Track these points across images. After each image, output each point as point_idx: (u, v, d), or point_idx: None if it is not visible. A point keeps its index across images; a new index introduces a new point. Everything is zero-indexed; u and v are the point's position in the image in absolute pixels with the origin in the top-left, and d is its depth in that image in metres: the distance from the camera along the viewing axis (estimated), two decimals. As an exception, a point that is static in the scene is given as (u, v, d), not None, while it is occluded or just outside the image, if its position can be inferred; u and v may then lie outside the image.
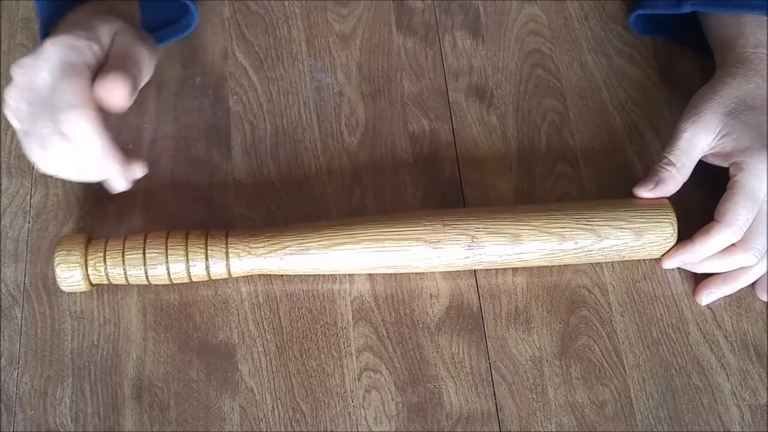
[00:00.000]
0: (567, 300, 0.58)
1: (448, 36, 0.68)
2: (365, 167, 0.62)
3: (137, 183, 0.60)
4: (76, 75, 0.49)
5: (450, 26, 0.68)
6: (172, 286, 0.57)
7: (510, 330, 0.57)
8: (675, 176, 0.57)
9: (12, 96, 0.51)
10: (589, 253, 0.57)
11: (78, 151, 0.51)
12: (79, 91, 0.49)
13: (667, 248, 0.57)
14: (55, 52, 0.50)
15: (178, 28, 0.64)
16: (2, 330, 0.56)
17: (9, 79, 0.63)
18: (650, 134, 0.64)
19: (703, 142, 0.58)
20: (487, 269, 0.58)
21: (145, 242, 0.55)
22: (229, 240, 0.55)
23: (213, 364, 0.56)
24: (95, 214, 0.59)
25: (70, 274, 0.54)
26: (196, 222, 0.58)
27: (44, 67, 0.50)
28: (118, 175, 0.53)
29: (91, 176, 0.53)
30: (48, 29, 0.57)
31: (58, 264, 0.54)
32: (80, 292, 0.57)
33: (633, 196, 0.59)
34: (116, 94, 0.50)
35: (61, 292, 0.56)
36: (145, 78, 0.55)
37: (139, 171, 0.55)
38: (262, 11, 0.68)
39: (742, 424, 0.55)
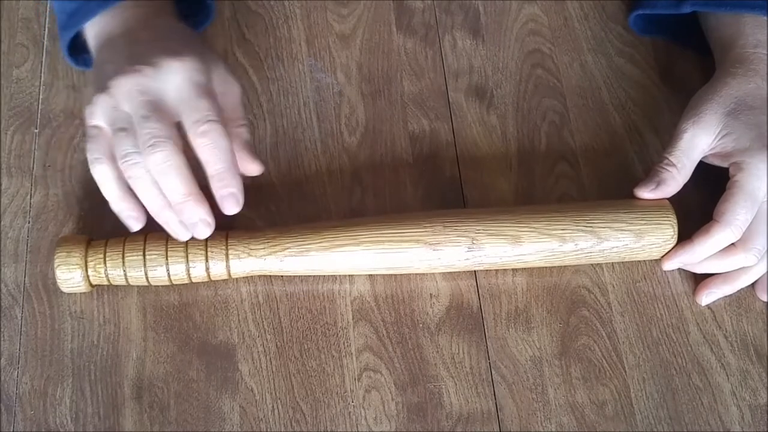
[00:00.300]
0: (567, 300, 0.58)
1: (448, 36, 0.68)
2: (365, 167, 0.62)
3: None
4: (211, 96, 0.51)
5: (450, 26, 0.68)
6: (172, 287, 0.57)
7: (510, 330, 0.57)
8: (676, 177, 0.57)
9: (113, 95, 0.51)
10: (590, 254, 0.57)
11: (182, 162, 0.50)
12: (217, 111, 0.51)
13: (668, 250, 0.57)
14: (183, 70, 0.51)
15: (192, 24, 0.64)
16: (2, 330, 0.56)
17: (9, 80, 0.64)
18: (650, 134, 0.64)
19: (703, 142, 0.58)
20: (487, 270, 0.58)
21: (145, 243, 0.55)
22: (228, 241, 0.55)
23: (213, 364, 0.56)
24: (95, 215, 0.59)
25: (70, 276, 0.54)
26: (196, 222, 0.58)
27: (170, 80, 0.51)
28: (202, 211, 0.52)
29: (159, 205, 0.52)
30: (76, 25, 0.57)
31: (58, 265, 0.54)
32: (80, 293, 0.57)
33: (633, 197, 0.59)
34: (251, 169, 0.56)
35: (61, 292, 0.56)
36: None
37: (255, 169, 0.57)
38: (262, 11, 0.68)
39: (742, 424, 0.55)
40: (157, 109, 0.50)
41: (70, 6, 0.57)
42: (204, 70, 0.52)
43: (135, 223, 0.53)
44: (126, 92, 0.51)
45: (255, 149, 0.56)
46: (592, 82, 0.66)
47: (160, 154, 0.50)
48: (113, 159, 0.52)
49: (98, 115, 0.52)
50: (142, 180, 0.51)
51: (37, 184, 0.61)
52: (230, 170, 0.52)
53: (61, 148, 0.62)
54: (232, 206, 0.52)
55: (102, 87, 0.51)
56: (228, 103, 0.55)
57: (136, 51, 0.52)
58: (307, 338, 0.56)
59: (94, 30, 0.57)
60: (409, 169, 0.62)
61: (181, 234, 0.53)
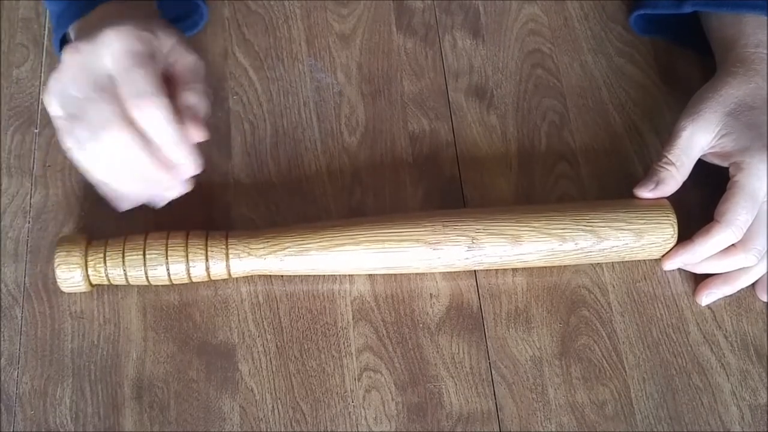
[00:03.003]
0: (567, 300, 0.58)
1: (448, 36, 0.68)
2: (365, 167, 0.62)
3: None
4: (147, 65, 0.49)
5: (450, 26, 0.68)
6: (172, 287, 0.57)
7: (510, 330, 0.57)
8: (675, 175, 0.57)
9: (60, 79, 0.49)
10: (589, 254, 0.57)
11: (137, 141, 0.48)
12: (153, 81, 0.48)
13: (668, 249, 0.57)
14: (118, 39, 0.48)
15: (186, 26, 0.64)
16: (2, 330, 0.56)
17: (9, 80, 0.64)
18: (650, 134, 0.64)
19: (702, 140, 0.58)
20: (487, 269, 0.58)
21: (145, 243, 0.55)
22: (229, 241, 0.55)
23: (213, 364, 0.56)
24: (95, 214, 0.59)
25: (71, 275, 0.54)
26: (196, 222, 0.58)
27: (106, 53, 0.48)
28: (179, 172, 0.51)
29: (140, 175, 0.51)
30: (64, 27, 0.57)
31: (59, 265, 0.54)
32: (80, 293, 0.57)
33: (633, 197, 0.59)
34: (196, 135, 0.52)
35: (61, 292, 0.56)
36: None
37: (198, 135, 0.52)
38: (262, 11, 0.68)
39: (742, 424, 0.55)
40: (100, 87, 0.48)
41: (58, 7, 0.57)
42: (143, 37, 0.50)
43: (123, 203, 0.53)
44: (70, 75, 0.49)
45: (202, 116, 0.53)
46: (592, 82, 0.66)
47: (109, 137, 0.48)
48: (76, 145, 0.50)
49: (53, 103, 0.50)
50: (105, 165, 0.50)
51: (37, 184, 0.61)
52: (165, 147, 0.49)
53: (61, 148, 0.61)
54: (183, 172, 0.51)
55: (53, 71, 0.50)
56: (178, 71, 0.52)
57: (89, 34, 0.50)
58: (307, 338, 0.56)
59: (74, 28, 0.56)
60: (409, 169, 0.62)
61: (154, 204, 0.53)
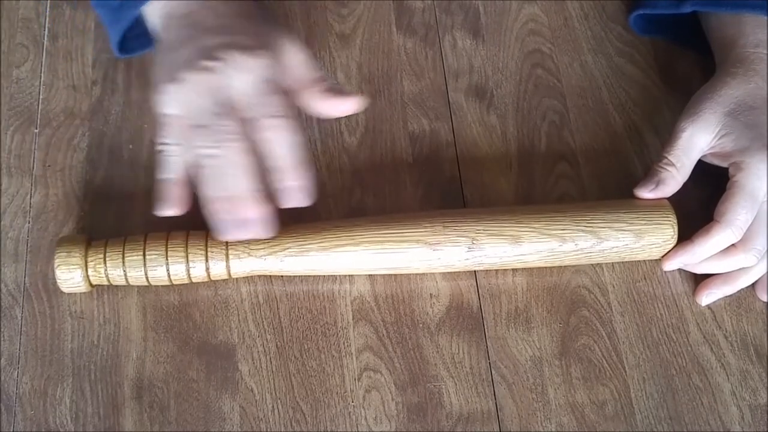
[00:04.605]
0: (567, 300, 0.58)
1: (448, 36, 0.68)
2: (365, 167, 0.62)
3: (136, 183, 0.61)
4: (278, 91, 0.53)
5: (450, 26, 0.68)
6: (172, 287, 0.57)
7: (510, 330, 0.57)
8: (675, 176, 0.57)
9: (184, 90, 0.52)
10: (590, 254, 0.57)
11: (252, 159, 0.52)
12: (284, 104, 0.53)
13: (668, 250, 0.57)
14: (254, 67, 0.52)
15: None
16: (2, 330, 0.56)
17: (9, 80, 0.64)
18: (650, 134, 0.64)
19: (702, 141, 0.58)
20: (487, 270, 0.58)
21: (145, 243, 0.55)
22: (229, 241, 0.55)
23: (213, 364, 0.56)
24: (95, 214, 0.59)
25: (70, 276, 0.54)
26: (196, 222, 0.58)
27: (238, 78, 0.52)
28: (266, 209, 0.53)
29: (235, 192, 0.53)
30: (134, 8, 0.58)
31: (59, 265, 0.54)
32: (80, 293, 0.57)
33: (633, 197, 0.59)
34: (345, 109, 0.56)
35: (61, 292, 0.56)
36: None
37: (350, 107, 0.56)
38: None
39: (742, 424, 0.55)
40: (228, 106, 0.52)
41: None
42: (272, 63, 0.53)
43: (171, 209, 0.55)
44: (199, 88, 0.52)
45: (342, 90, 0.57)
46: (592, 82, 0.66)
47: (231, 149, 0.51)
48: (181, 146, 0.54)
49: (171, 105, 0.53)
50: (211, 170, 0.52)
51: (37, 184, 0.61)
52: (292, 165, 0.53)
53: (61, 148, 0.62)
54: (290, 199, 0.54)
55: (172, 77, 0.53)
56: (296, 73, 0.56)
57: (205, 44, 0.53)
58: (307, 338, 0.56)
59: (152, 10, 0.57)
60: (409, 169, 0.62)
61: (224, 229, 0.53)
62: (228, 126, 0.52)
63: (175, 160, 0.54)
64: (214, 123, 0.52)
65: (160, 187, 0.55)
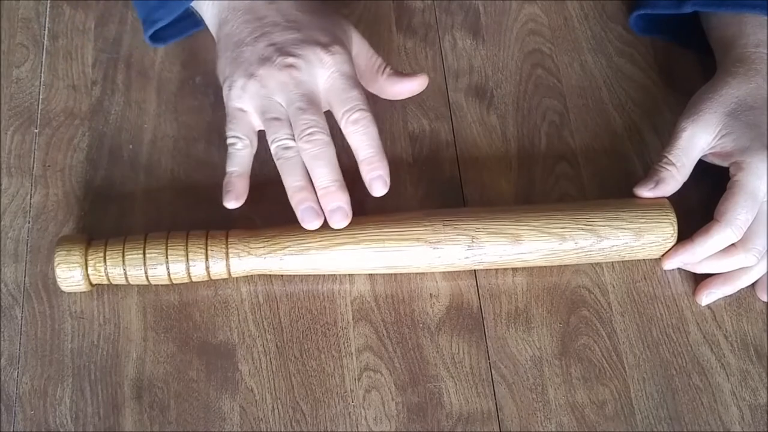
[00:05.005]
0: (567, 300, 0.58)
1: (448, 36, 0.68)
2: (365, 167, 0.62)
3: (136, 183, 0.61)
4: (358, 85, 0.56)
5: (450, 26, 0.68)
6: (172, 286, 0.57)
7: (510, 330, 0.57)
8: (675, 176, 0.57)
9: (266, 85, 0.55)
10: (589, 253, 0.57)
11: (328, 145, 0.54)
12: (364, 98, 0.55)
13: (667, 248, 0.57)
14: (333, 63, 0.55)
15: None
16: (2, 330, 0.56)
17: (9, 80, 0.64)
18: (650, 134, 0.64)
19: (702, 141, 0.58)
20: (487, 269, 0.58)
21: (145, 242, 0.55)
22: (229, 240, 0.55)
23: (213, 364, 0.56)
24: (95, 214, 0.59)
25: (70, 274, 0.54)
26: (196, 222, 0.58)
27: (321, 74, 0.55)
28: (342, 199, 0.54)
29: (305, 181, 0.55)
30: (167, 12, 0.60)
31: (58, 264, 0.54)
32: (80, 292, 0.57)
33: (633, 196, 0.59)
34: (413, 88, 0.61)
35: (61, 292, 0.56)
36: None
37: (418, 85, 0.61)
38: (262, 11, 0.68)
39: (742, 424, 0.55)
40: (311, 101, 0.54)
41: None
42: (348, 58, 0.56)
43: (238, 201, 0.56)
44: (280, 84, 0.55)
45: (403, 72, 0.61)
46: (592, 82, 0.66)
47: (316, 141, 0.53)
48: (250, 141, 0.56)
49: (246, 101, 0.55)
50: (292, 161, 0.54)
51: (37, 184, 0.61)
52: (378, 155, 0.55)
53: (61, 148, 0.62)
54: (380, 188, 0.55)
55: (250, 73, 0.55)
56: (362, 60, 0.60)
57: (279, 40, 0.55)
58: (307, 338, 0.56)
59: (208, 3, 0.59)
60: (409, 169, 0.62)
61: (308, 218, 0.54)
62: (310, 120, 0.54)
63: (242, 153, 0.56)
64: (294, 116, 0.54)
65: (227, 180, 0.56)
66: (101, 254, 0.54)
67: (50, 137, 0.62)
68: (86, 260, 0.54)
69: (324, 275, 0.58)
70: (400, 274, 0.58)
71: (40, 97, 0.64)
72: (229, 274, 0.55)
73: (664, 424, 0.55)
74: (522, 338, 0.57)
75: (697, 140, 0.58)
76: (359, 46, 0.60)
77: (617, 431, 0.55)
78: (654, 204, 0.57)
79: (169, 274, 0.55)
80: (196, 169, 0.61)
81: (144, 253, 0.54)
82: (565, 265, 0.59)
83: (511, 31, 0.68)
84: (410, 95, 0.61)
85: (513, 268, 0.59)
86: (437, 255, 0.55)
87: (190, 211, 0.60)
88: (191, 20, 0.63)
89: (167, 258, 0.54)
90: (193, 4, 0.61)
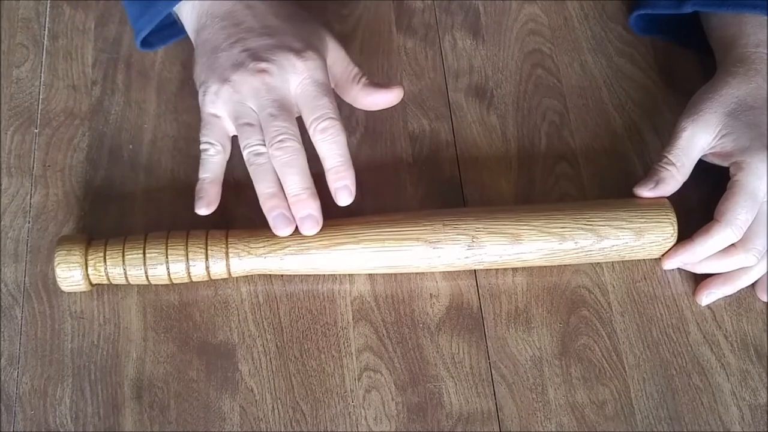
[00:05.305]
0: (567, 300, 0.58)
1: (448, 36, 0.68)
2: (365, 167, 0.62)
3: (136, 183, 0.61)
4: (329, 93, 0.55)
5: (450, 26, 0.68)
6: (172, 286, 0.57)
7: (510, 330, 0.57)
8: (675, 175, 0.57)
9: (240, 91, 0.54)
10: (589, 253, 0.57)
11: (299, 152, 0.54)
12: (334, 106, 0.55)
13: (667, 248, 0.57)
14: (306, 69, 0.55)
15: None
16: (2, 330, 0.56)
17: (9, 80, 0.64)
18: (650, 134, 0.64)
19: (702, 141, 0.58)
20: (487, 269, 0.58)
21: (145, 242, 0.55)
22: (229, 240, 0.55)
23: (213, 364, 0.56)
24: (95, 214, 0.59)
25: (70, 274, 0.54)
26: (196, 222, 0.58)
27: (294, 80, 0.55)
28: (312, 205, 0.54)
29: (276, 188, 0.55)
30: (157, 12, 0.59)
31: (58, 264, 0.54)
32: (80, 292, 0.57)
33: (633, 196, 0.59)
34: (388, 99, 0.60)
35: (61, 292, 0.56)
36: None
37: (393, 97, 0.60)
38: (262, 11, 0.68)
39: (742, 424, 0.55)
40: (282, 106, 0.54)
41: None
42: (322, 65, 0.56)
43: (210, 207, 0.56)
44: (252, 90, 0.54)
45: (379, 83, 0.60)
46: (592, 82, 0.66)
47: (286, 148, 0.53)
48: (223, 147, 0.56)
49: (220, 106, 0.55)
50: (263, 167, 0.54)
51: (37, 184, 0.61)
52: (345, 164, 0.55)
53: (61, 148, 0.62)
54: (345, 197, 0.55)
55: (223, 78, 0.55)
56: (337, 70, 0.59)
57: (253, 46, 0.55)
58: (307, 338, 0.56)
59: (187, 8, 0.59)
60: (409, 169, 0.62)
61: (280, 225, 0.54)
62: (281, 126, 0.53)
63: (215, 159, 0.56)
64: (266, 122, 0.54)
65: (199, 187, 0.56)
66: (101, 254, 0.54)
67: (50, 137, 0.62)
68: (86, 260, 0.54)
69: (324, 275, 0.58)
70: (400, 274, 0.58)
71: (40, 97, 0.64)
72: (229, 274, 0.55)
73: (664, 424, 0.55)
74: (522, 338, 0.57)
75: (697, 140, 0.58)
76: (336, 54, 0.59)
77: (617, 431, 0.55)
78: (654, 204, 0.57)
79: (169, 274, 0.55)
80: (196, 169, 0.61)
81: (144, 253, 0.54)
82: (565, 265, 0.59)
83: (511, 31, 0.68)
84: (385, 107, 0.61)
85: (513, 268, 0.59)
86: (437, 255, 0.55)
87: (190, 211, 0.60)
88: (175, 28, 0.63)
89: (167, 258, 0.54)
90: (175, 9, 0.60)
